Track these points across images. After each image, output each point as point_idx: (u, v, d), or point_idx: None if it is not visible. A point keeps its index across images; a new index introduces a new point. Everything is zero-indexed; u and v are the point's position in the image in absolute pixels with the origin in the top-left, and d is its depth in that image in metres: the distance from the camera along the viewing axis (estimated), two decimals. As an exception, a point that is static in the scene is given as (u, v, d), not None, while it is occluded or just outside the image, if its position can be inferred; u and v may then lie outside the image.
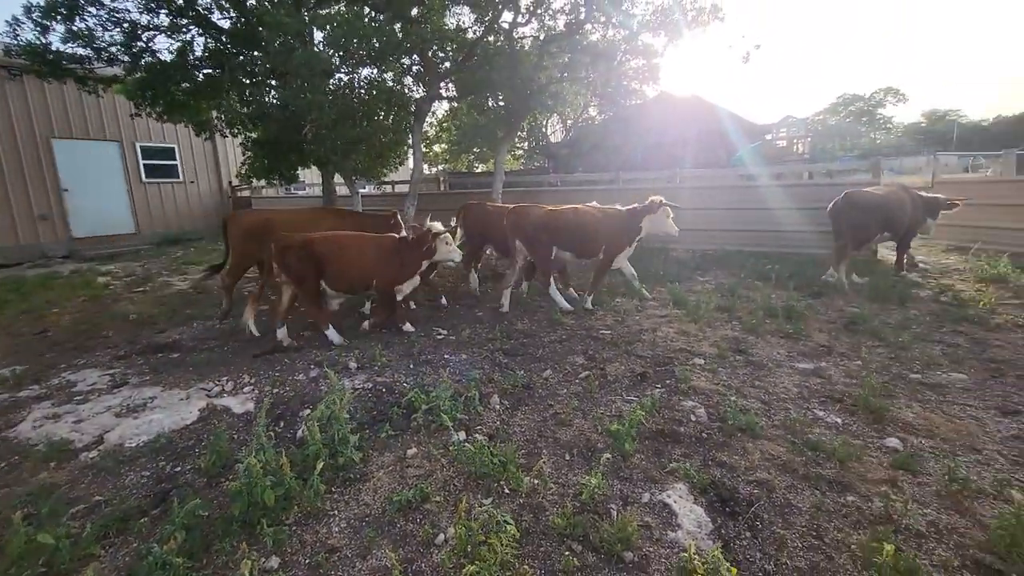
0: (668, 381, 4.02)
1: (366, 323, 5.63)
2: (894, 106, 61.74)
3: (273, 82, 8.19)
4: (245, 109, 8.37)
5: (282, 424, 3.65)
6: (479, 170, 28.41)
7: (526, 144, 26.77)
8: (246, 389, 4.27)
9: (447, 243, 5.36)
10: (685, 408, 3.58)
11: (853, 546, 2.31)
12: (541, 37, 8.56)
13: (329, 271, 5.05)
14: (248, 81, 8.14)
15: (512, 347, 4.98)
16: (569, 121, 25.70)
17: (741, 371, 4.20)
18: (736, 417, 3.31)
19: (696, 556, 2.12)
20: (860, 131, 57.33)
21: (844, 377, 4.01)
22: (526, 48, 8.83)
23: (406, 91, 8.90)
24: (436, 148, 24.99)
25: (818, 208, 7.66)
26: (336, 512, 2.67)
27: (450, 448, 3.12)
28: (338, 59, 7.32)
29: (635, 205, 6.24)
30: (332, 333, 5.24)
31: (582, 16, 8.17)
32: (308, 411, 3.63)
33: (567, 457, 3.09)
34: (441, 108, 15.58)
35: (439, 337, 5.38)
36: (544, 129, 25.32)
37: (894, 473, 2.79)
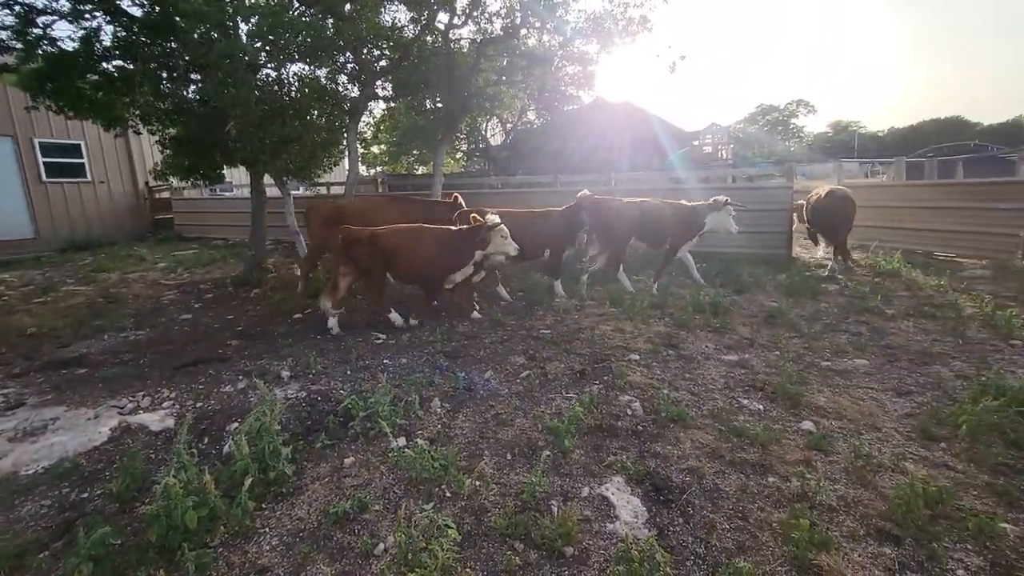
0: (606, 377, 4.14)
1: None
2: (805, 117, 67.01)
3: (194, 76, 7.67)
4: (162, 104, 7.78)
5: (207, 440, 3.42)
6: (420, 172, 28.14)
7: (465, 146, 26.81)
8: (165, 404, 3.97)
9: (503, 235, 5.42)
10: (622, 403, 3.70)
11: (774, 524, 2.48)
12: (478, 40, 8.58)
13: (395, 264, 5.34)
14: (165, 75, 7.57)
15: (453, 349, 4.94)
16: (508, 124, 25.99)
17: (673, 365, 4.40)
18: (669, 409, 3.46)
19: (633, 545, 2.20)
20: (776, 139, 61.74)
21: (765, 367, 4.30)
22: (463, 50, 8.83)
23: (340, 89, 8.64)
24: (375, 149, 24.49)
25: (741, 212, 8.14)
26: (267, 529, 2.53)
27: (389, 455, 3.05)
28: (265, 53, 6.97)
29: (702, 202, 6.92)
30: (395, 316, 5.57)
31: (518, 21, 8.27)
32: (236, 425, 3.42)
33: (508, 457, 3.10)
34: (378, 108, 15.24)
35: (378, 341, 5.25)
36: (484, 132, 25.46)
37: (809, 454, 3.02)
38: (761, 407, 3.62)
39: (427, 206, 7.05)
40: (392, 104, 9.07)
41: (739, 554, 2.31)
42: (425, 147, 23.58)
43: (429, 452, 2.94)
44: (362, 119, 9.70)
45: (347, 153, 8.41)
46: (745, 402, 3.70)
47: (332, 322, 5.50)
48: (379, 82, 8.28)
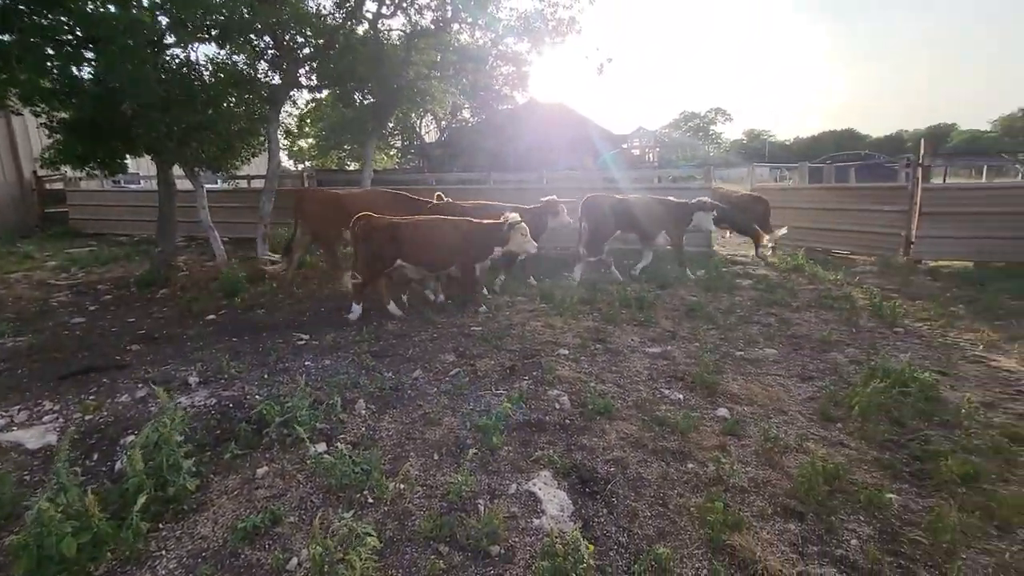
0: (535, 373, 4.15)
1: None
2: (723, 124, 71.55)
3: (88, 53, 6.88)
4: (47, 83, 6.91)
5: (96, 457, 3.07)
6: (352, 167, 27.33)
7: (399, 142, 26.28)
8: (47, 418, 3.53)
9: (523, 234, 5.71)
10: (551, 397, 3.72)
11: (692, 508, 2.58)
12: (408, 31, 8.36)
13: (413, 254, 5.54)
14: (51, 49, 6.73)
15: (381, 348, 4.77)
16: (444, 122, 25.76)
17: (600, 359, 4.50)
18: (595, 402, 3.53)
19: (557, 539, 2.20)
20: (698, 144, 65.43)
21: (685, 358, 4.50)
22: (393, 42, 8.56)
23: (260, 76, 8.10)
24: (303, 143, 23.52)
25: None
26: (164, 552, 2.30)
27: (307, 462, 2.88)
28: (170, 30, 6.38)
29: (695, 200, 7.54)
30: (393, 307, 5.76)
31: (449, 14, 8.14)
32: (131, 438, 3.09)
33: (436, 457, 3.03)
34: (302, 99, 14.52)
35: (300, 343, 4.97)
36: (418, 128, 25.07)
37: (724, 439, 3.19)
38: (681, 396, 3.78)
39: (419, 202, 7.12)
40: (318, 95, 8.64)
41: (659, 540, 2.38)
42: (356, 142, 22.91)
43: (350, 457, 2.80)
44: (286, 110, 9.18)
45: (267, 144, 7.91)
46: (667, 392, 3.84)
47: (393, 307, 5.77)
48: (303, 70, 7.85)
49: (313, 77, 7.83)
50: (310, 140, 23.56)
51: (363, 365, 4.36)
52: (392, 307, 5.77)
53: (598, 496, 2.69)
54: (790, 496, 2.65)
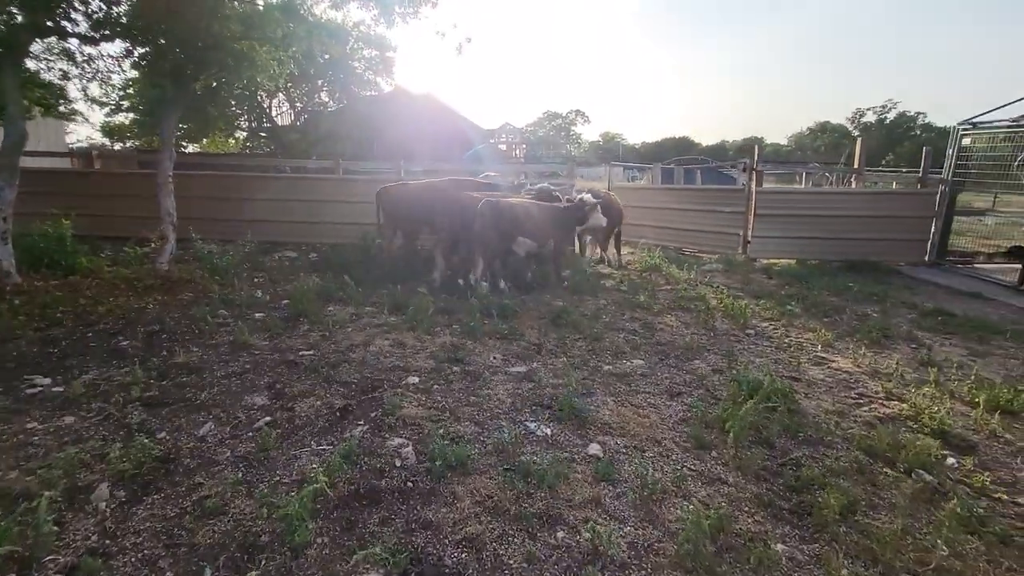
0: (375, 413, 3.30)
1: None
2: (582, 125, 76.17)
3: None
4: None
5: None
6: (190, 150, 23.65)
7: (243, 122, 23.20)
8: None
9: (597, 211, 6.61)
10: (391, 449, 2.91)
11: (564, 603, 1.98)
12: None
13: (528, 230, 6.13)
14: None
15: (163, 391, 3.52)
16: (299, 104, 23.30)
17: (457, 385, 3.79)
18: (446, 453, 2.79)
19: None
20: (561, 143, 68.81)
21: (552, 378, 3.99)
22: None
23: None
24: (121, 119, 19.87)
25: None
26: None
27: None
28: None
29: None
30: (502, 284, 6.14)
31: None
32: None
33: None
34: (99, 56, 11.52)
35: (32, 391, 3.48)
36: (268, 110, 22.31)
37: (597, 489, 2.66)
38: (549, 431, 3.22)
39: (477, 185, 7.26)
40: (94, 47, 6.58)
41: (523, 670, 1.73)
42: (190, 120, 19.84)
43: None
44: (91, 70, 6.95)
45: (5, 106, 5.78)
46: (533, 426, 3.26)
47: (485, 285, 6.09)
48: (61, 12, 5.85)
49: (79, 19, 5.88)
50: (128, 115, 19.97)
51: (124, 423, 3.10)
52: (502, 284, 6.24)
53: (443, 606, 1.96)
54: (675, 565, 2.19)
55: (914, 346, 4.91)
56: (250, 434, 3.02)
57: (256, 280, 6.45)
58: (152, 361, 3.93)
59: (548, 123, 75.91)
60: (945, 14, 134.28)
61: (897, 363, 4.28)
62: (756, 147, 8.67)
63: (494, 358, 4.34)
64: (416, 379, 3.82)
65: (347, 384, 3.69)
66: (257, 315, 5.18)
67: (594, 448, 3.03)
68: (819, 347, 4.81)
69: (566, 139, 75.10)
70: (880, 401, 3.72)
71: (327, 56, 21.62)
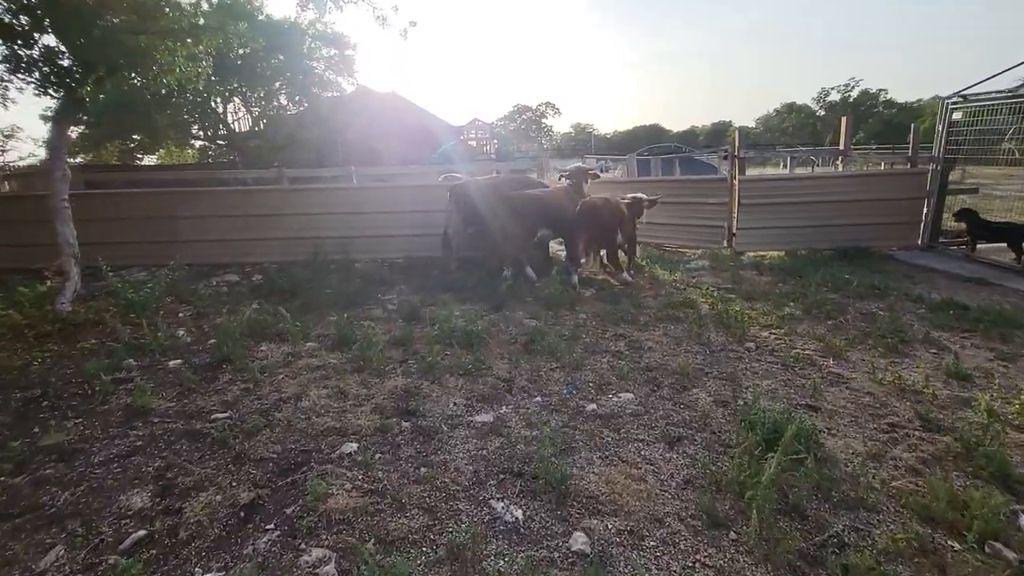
0: (291, 508, 2.53)
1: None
2: (553, 118, 75.61)
3: None
4: None
5: None
6: (145, 161, 22.51)
7: (196, 129, 22.02)
8: None
9: (647, 206, 7.05)
10: (305, 570, 2.15)
11: None
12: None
13: (622, 226, 6.83)
14: None
15: (11, 496, 2.67)
16: (256, 109, 22.22)
17: (406, 451, 3.03)
18: (377, 573, 2.05)
19: None
20: (532, 136, 68.15)
21: (524, 428, 3.27)
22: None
23: None
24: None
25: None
26: None
27: None
28: None
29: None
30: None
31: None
32: None
33: None
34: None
35: None
36: (223, 116, 21.14)
37: (585, 615, 1.96)
38: (520, 514, 2.49)
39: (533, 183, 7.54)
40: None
41: None
42: (143, 131, 18.90)
43: None
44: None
45: None
46: (500, 508, 2.53)
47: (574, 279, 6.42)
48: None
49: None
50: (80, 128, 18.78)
51: (-63, 555, 2.26)
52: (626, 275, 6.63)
53: None
54: None
55: (934, 351, 4.32)
56: (111, 560, 2.21)
57: (181, 316, 5.56)
58: (13, 445, 3.07)
59: (519, 117, 75.15)
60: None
61: (926, 379, 3.67)
62: (737, 133, 8.06)
63: (454, 404, 3.59)
64: (354, 446, 3.06)
65: (262, 463, 2.90)
66: (172, 363, 4.33)
67: (579, 540, 2.32)
68: (830, 360, 4.18)
69: (538, 132, 74.47)
70: (917, 434, 3.09)
71: (281, 57, 20.56)
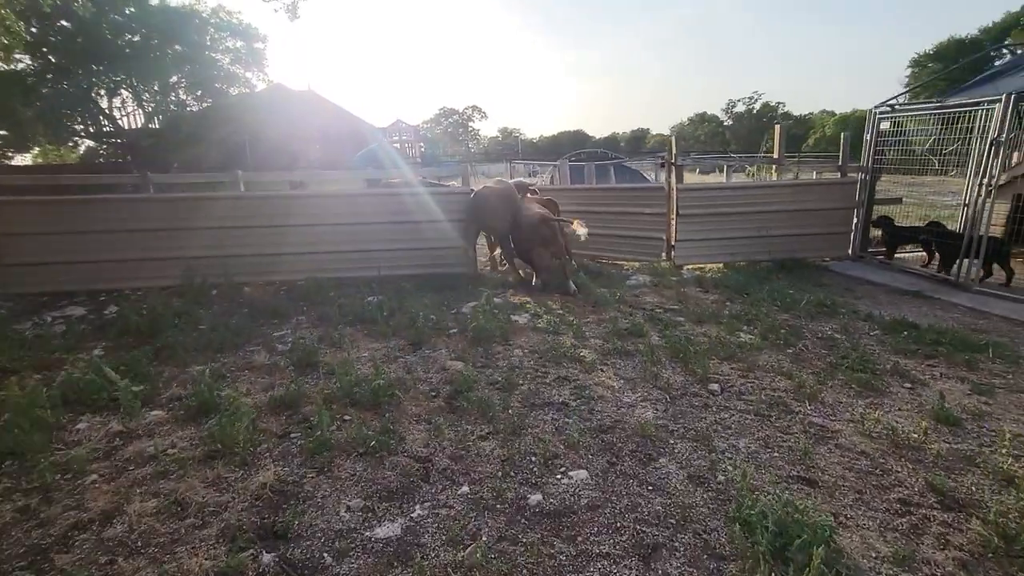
0: None
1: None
2: (479, 121, 75.03)
3: None
4: None
5: None
6: (16, 162, 19.32)
7: (77, 125, 19.16)
8: None
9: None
10: None
11: None
12: None
13: None
14: None
15: None
16: (150, 105, 19.62)
17: (261, 615, 1.98)
18: None
19: None
20: (459, 139, 67.14)
21: (444, 544, 2.32)
22: None
23: None
24: None
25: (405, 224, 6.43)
26: None
27: None
28: None
29: None
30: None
31: None
32: None
33: None
34: None
35: None
36: (108, 111, 18.43)
37: None
38: None
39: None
40: None
41: None
42: (3, 125, 16.18)
43: None
44: None
45: None
46: None
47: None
48: None
49: None
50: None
51: None
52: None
53: None
54: None
55: (908, 385, 3.87)
56: None
57: (-27, 376, 4.05)
58: None
59: (444, 119, 73.86)
60: (794, 15, 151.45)
61: (924, 432, 3.13)
62: (674, 139, 7.58)
63: (347, 510, 2.56)
64: (174, 615, 1.96)
65: None
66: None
67: None
68: (807, 403, 3.59)
69: (465, 135, 73.65)
70: (938, 516, 2.49)
71: (178, 47, 18.15)
